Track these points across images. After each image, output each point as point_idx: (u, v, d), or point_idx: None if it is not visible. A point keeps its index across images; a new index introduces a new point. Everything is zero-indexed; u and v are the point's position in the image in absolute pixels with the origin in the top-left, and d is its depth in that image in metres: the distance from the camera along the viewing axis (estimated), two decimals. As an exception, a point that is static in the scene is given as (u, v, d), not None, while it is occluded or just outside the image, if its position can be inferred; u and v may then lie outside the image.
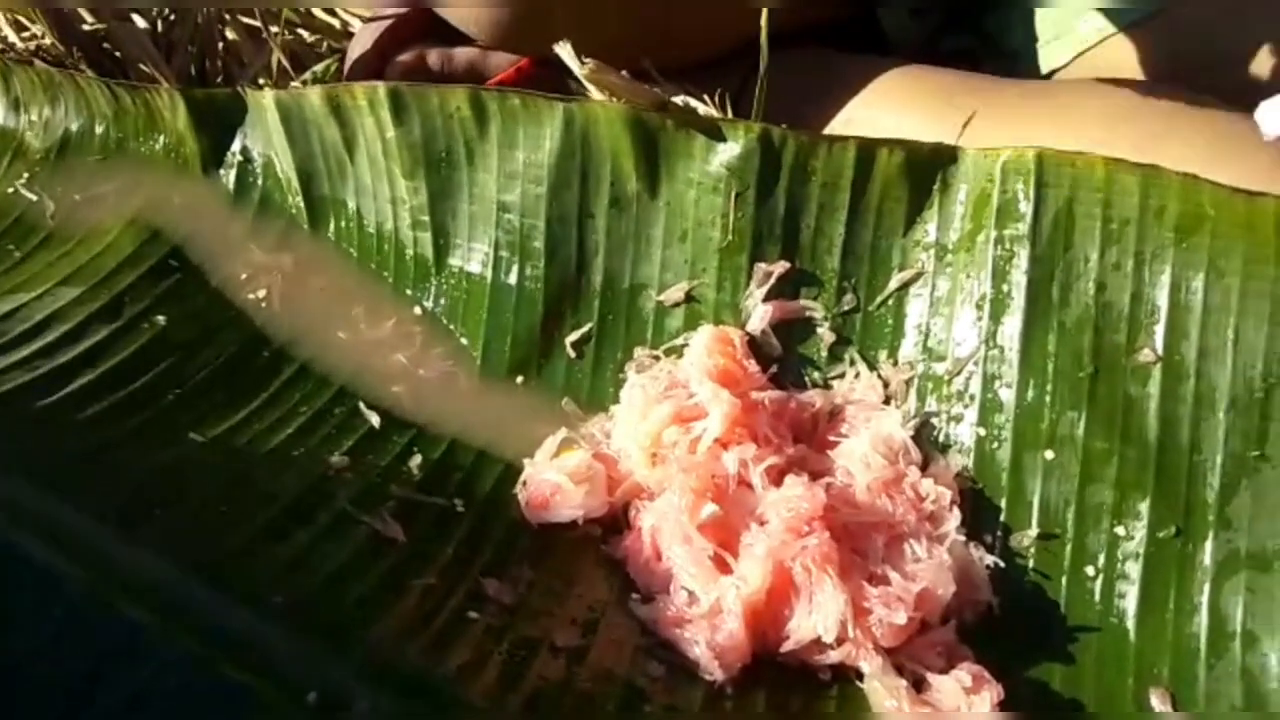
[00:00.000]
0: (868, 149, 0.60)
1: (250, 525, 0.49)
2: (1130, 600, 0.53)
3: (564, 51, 0.64)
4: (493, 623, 0.48)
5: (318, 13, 0.90)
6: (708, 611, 0.50)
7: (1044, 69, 0.78)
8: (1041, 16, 0.77)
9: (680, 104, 0.72)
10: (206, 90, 0.73)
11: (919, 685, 0.50)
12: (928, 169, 0.60)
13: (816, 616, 0.49)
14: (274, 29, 0.79)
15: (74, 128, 0.77)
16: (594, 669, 0.47)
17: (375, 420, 0.61)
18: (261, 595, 0.45)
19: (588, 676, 0.46)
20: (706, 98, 0.68)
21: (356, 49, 0.75)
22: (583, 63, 0.60)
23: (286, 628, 0.43)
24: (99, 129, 0.77)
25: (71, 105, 0.77)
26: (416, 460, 0.59)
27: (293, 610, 0.45)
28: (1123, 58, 0.73)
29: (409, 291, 0.68)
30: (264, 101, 0.71)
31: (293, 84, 0.73)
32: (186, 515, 0.49)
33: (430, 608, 0.48)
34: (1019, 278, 0.57)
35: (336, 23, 0.91)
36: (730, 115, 0.69)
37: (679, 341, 0.63)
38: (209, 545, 0.47)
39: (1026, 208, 0.57)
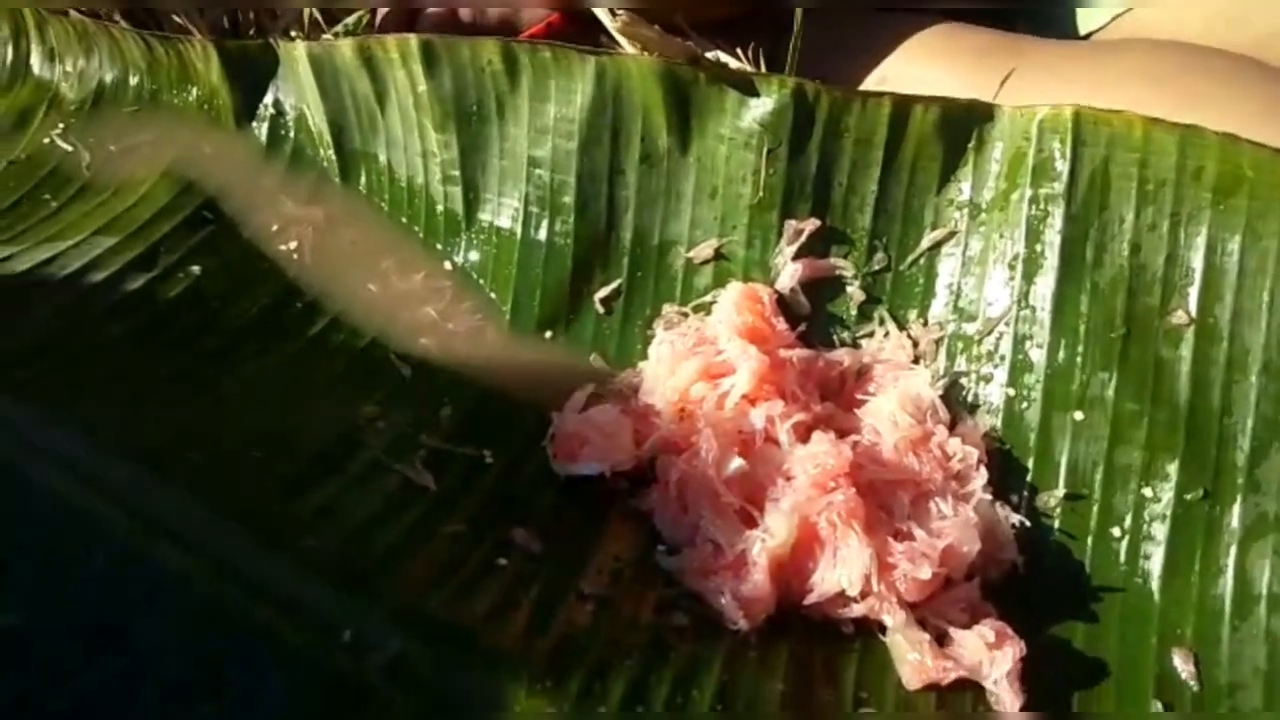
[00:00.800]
0: (903, 105, 0.59)
1: (283, 472, 0.50)
2: (1156, 561, 0.53)
3: (598, 4, 0.64)
4: (521, 570, 0.49)
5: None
6: (733, 563, 0.51)
7: (1082, 30, 0.77)
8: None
9: (713, 59, 0.71)
10: (240, 42, 0.74)
11: (941, 640, 0.50)
12: (963, 126, 0.59)
13: (841, 570, 0.50)
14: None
15: (108, 79, 0.78)
16: (620, 617, 0.48)
17: (406, 371, 0.61)
18: (294, 541, 0.45)
19: (614, 623, 0.47)
20: (740, 52, 0.68)
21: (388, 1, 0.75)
22: (615, 16, 0.59)
23: (318, 572, 0.44)
24: (133, 80, 0.77)
25: (106, 56, 0.77)
26: (446, 411, 0.59)
27: (324, 556, 0.45)
28: (1161, 20, 0.72)
29: (439, 246, 0.69)
30: (296, 54, 0.71)
31: (325, 36, 0.73)
32: (220, 461, 0.50)
33: (459, 555, 0.49)
34: (1053, 237, 0.57)
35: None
36: (764, 70, 0.69)
37: (708, 299, 0.63)
38: (242, 491, 0.48)
39: (1062, 167, 0.56)
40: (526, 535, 0.52)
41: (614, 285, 0.65)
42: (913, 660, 0.49)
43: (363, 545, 0.47)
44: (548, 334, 0.65)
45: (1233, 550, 0.52)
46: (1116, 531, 0.54)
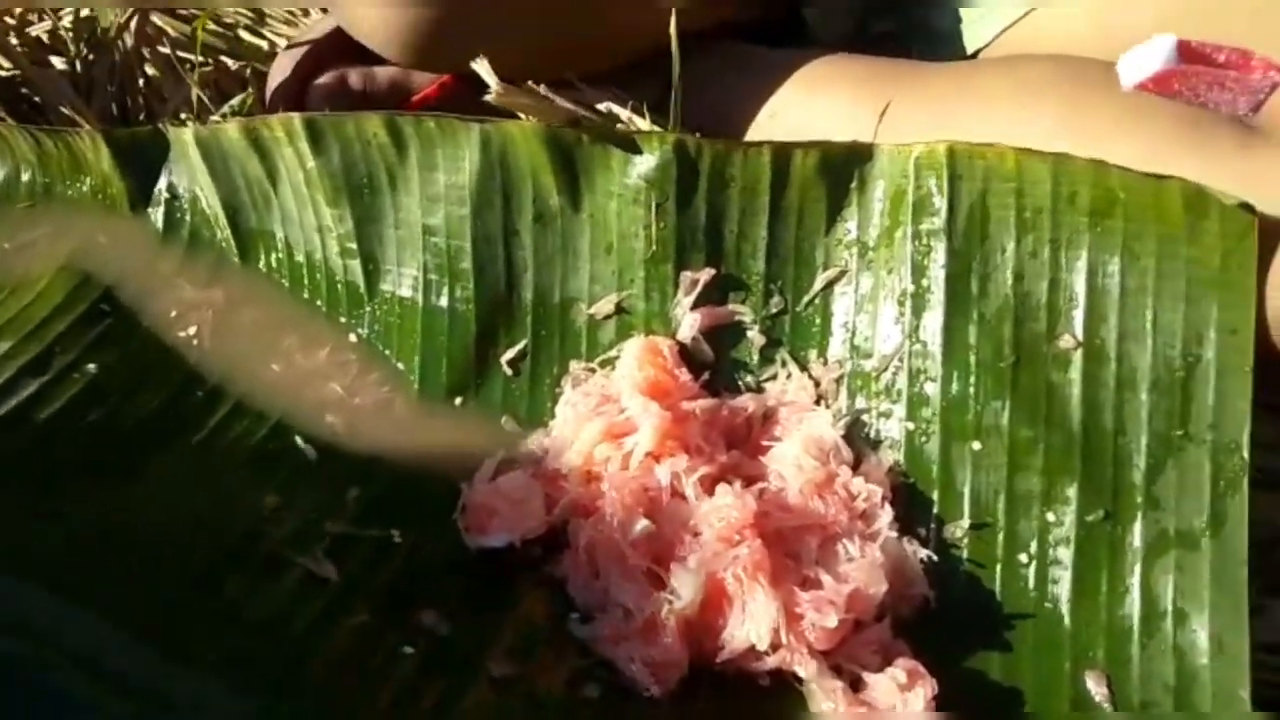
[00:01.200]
0: (783, 152, 0.60)
1: (183, 575, 0.49)
2: (1064, 585, 0.54)
3: (481, 68, 0.64)
4: (427, 657, 0.48)
5: (243, 35, 0.90)
6: (643, 627, 0.51)
7: (969, 48, 0.78)
8: (964, -4, 0.77)
9: (604, 111, 0.72)
10: (128, 129, 0.73)
11: (856, 685, 0.50)
12: (844, 168, 0.60)
13: (750, 625, 0.50)
14: (196, 59, 0.78)
15: (0, 176, 0.77)
16: (529, 696, 0.48)
17: (312, 453, 0.61)
18: (197, 652, 0.45)
19: (521, 705, 0.47)
20: (629, 106, 0.68)
21: (276, 76, 0.75)
22: (488, 88, 0.59)
23: (224, 685, 0.44)
24: (25, 176, 0.76)
25: (-6, 153, 0.76)
26: (354, 493, 0.59)
27: (228, 666, 0.45)
28: (1045, 33, 0.73)
29: (343, 319, 0.68)
30: (185, 137, 0.70)
31: (212, 118, 0.72)
32: (120, 570, 0.49)
33: (363, 646, 0.48)
34: (937, 272, 0.57)
35: (264, 44, 0.90)
36: (650, 121, 0.69)
37: (613, 353, 0.63)
38: (144, 601, 0.47)
39: (941, 202, 0.57)
40: (435, 617, 0.51)
41: (519, 346, 0.65)
42: (828, 709, 0.49)
43: (264, 648, 0.47)
44: (458, 400, 0.65)
45: (1137, 568, 0.53)
46: (1024, 558, 0.55)
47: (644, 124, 0.70)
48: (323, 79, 0.76)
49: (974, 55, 0.77)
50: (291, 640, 0.47)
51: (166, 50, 0.76)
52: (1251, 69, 0.59)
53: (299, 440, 0.61)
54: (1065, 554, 0.54)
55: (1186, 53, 0.59)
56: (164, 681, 0.44)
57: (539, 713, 0.47)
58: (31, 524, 0.51)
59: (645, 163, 0.61)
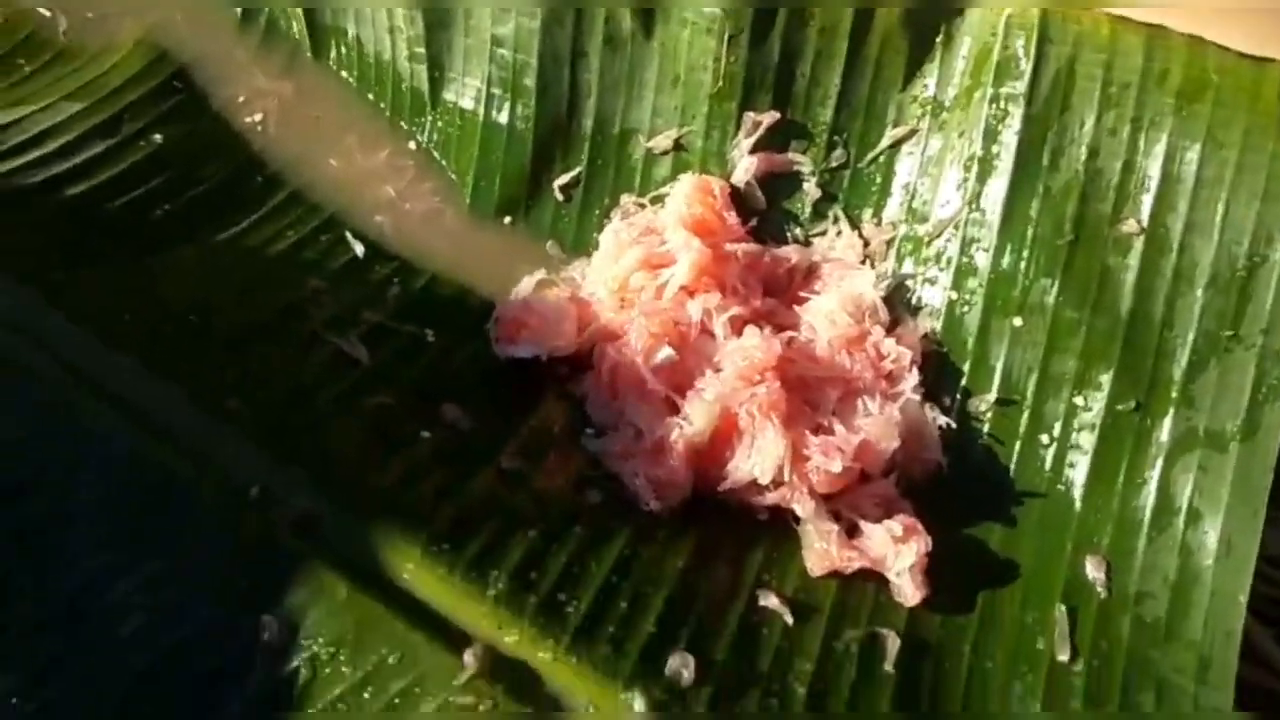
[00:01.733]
0: (869, -6, 0.57)
1: (218, 337, 0.51)
2: (1080, 470, 0.53)
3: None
4: (441, 443, 0.50)
5: None
6: (651, 447, 0.52)
7: None
8: None
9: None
10: (217, -87, 0.72)
11: (852, 532, 0.51)
12: (931, 19, 0.57)
13: (755, 459, 0.51)
14: None
15: (89, -55, 0.77)
16: (533, 492, 0.49)
17: (360, 249, 0.62)
18: (219, 401, 0.47)
19: (523, 498, 0.48)
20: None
21: None
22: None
23: (238, 431, 0.46)
24: (113, -53, 0.76)
25: (87, -79, 0.77)
26: (394, 290, 0.60)
27: (247, 417, 0.47)
28: None
29: (405, 125, 0.68)
30: (270, -77, 0.70)
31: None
32: (158, 323, 0.51)
33: (383, 424, 0.50)
34: (1010, 139, 0.55)
35: None
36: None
37: (665, 190, 0.62)
38: (175, 352, 0.49)
39: (1026, 66, 0.55)
40: (456, 411, 0.53)
41: (574, 173, 0.64)
42: (819, 548, 0.50)
43: (286, 410, 0.49)
44: (507, 219, 0.65)
45: (1159, 463, 0.52)
46: (1045, 439, 0.54)
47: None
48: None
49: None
50: (314, 408, 0.50)
51: None
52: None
53: (349, 235, 0.63)
54: (1088, 439, 0.53)
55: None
56: (185, 423, 0.46)
57: (540, 506, 0.48)
58: (80, 268, 0.53)
59: (723, -10, 0.59)
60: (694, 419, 0.51)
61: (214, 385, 0.48)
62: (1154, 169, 0.53)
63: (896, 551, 0.49)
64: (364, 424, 0.50)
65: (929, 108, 0.58)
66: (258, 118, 0.68)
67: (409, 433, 0.50)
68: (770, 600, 0.48)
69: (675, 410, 0.53)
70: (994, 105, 0.56)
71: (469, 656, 0.42)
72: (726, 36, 0.59)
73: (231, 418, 0.47)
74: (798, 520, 0.52)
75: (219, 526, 0.43)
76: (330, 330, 0.55)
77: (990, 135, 0.56)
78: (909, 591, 0.49)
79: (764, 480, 0.50)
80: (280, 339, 0.53)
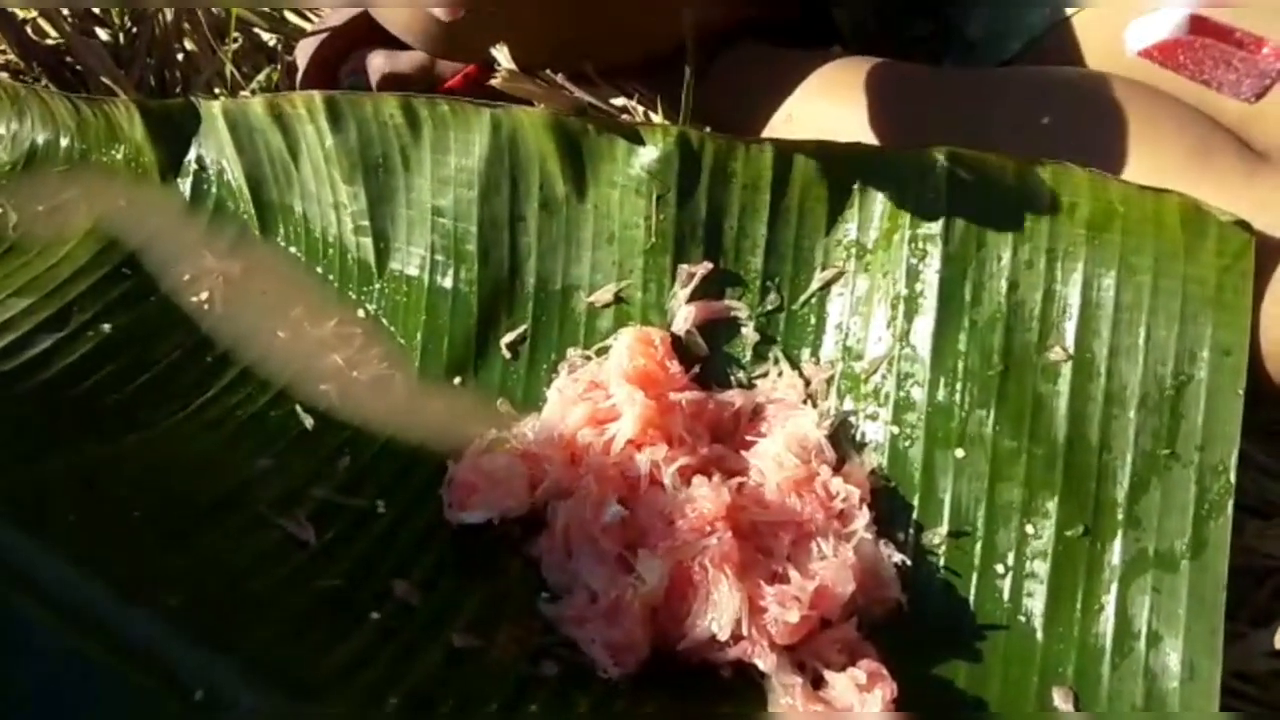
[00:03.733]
0: (785, 151, 0.60)
1: (160, 527, 0.51)
2: (1038, 599, 0.53)
3: (500, 54, 0.65)
4: (390, 623, 0.49)
5: (289, 15, 0.92)
6: (607, 610, 0.51)
7: (998, 59, 0.77)
8: (994, 6, 0.76)
9: (618, 105, 0.73)
10: (162, 101, 0.75)
11: (817, 682, 0.50)
12: (846, 169, 0.60)
13: (713, 615, 0.50)
14: (231, 35, 0.81)
15: (40, 140, 0.80)
16: (485, 669, 0.48)
17: (309, 422, 0.62)
18: (160, 597, 0.46)
19: (475, 676, 0.48)
20: (636, 99, 0.69)
21: (303, 55, 0.77)
22: (496, 71, 0.60)
23: (179, 629, 0.45)
24: (64, 141, 0.79)
25: (37, 118, 0.80)
26: (345, 462, 0.60)
27: (187, 612, 0.46)
28: (1072, 46, 0.73)
29: (354, 295, 0.70)
30: (214, 110, 0.73)
31: (241, 93, 0.75)
32: (98, 518, 0.51)
33: (330, 608, 0.49)
34: (931, 276, 0.57)
35: (308, 25, 0.92)
36: (663, 116, 0.70)
37: (609, 342, 0.64)
38: (114, 547, 0.49)
39: (939, 207, 0.57)
40: (407, 588, 0.53)
41: (519, 330, 0.66)
42: (786, 704, 0.49)
43: (228, 601, 0.48)
44: (457, 380, 0.66)
45: (1113, 587, 0.52)
46: (1000, 569, 0.54)
47: (656, 118, 0.70)
48: (351, 62, 0.78)
49: (1005, 64, 0.77)
50: (256, 596, 0.49)
51: (204, 24, 0.78)
52: (1261, 53, 0.57)
53: (299, 408, 0.63)
54: (1042, 568, 0.54)
55: (1199, 26, 0.58)
56: (122, 622, 0.45)
57: (493, 683, 0.47)
58: (21, 470, 0.53)
59: (648, 154, 0.61)
60: (647, 577, 0.51)
61: (153, 581, 0.48)
62: (1074, 297, 0.55)
63: (862, 700, 0.49)
64: (310, 608, 0.49)
65: (853, 250, 0.60)
66: (206, 297, 0.69)
67: (357, 614, 0.50)
68: (737, 764, 0.47)
69: (629, 568, 0.53)
70: (913, 245, 0.58)
71: None
72: (655, 196, 0.62)
73: (170, 615, 0.46)
74: (762, 675, 0.51)
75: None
76: (276, 511, 0.55)
77: (912, 274, 0.58)
78: (877, 742, 0.48)
79: (723, 636, 0.50)
80: (224, 525, 0.53)
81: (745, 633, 0.50)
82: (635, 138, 0.61)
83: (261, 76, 0.74)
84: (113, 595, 0.45)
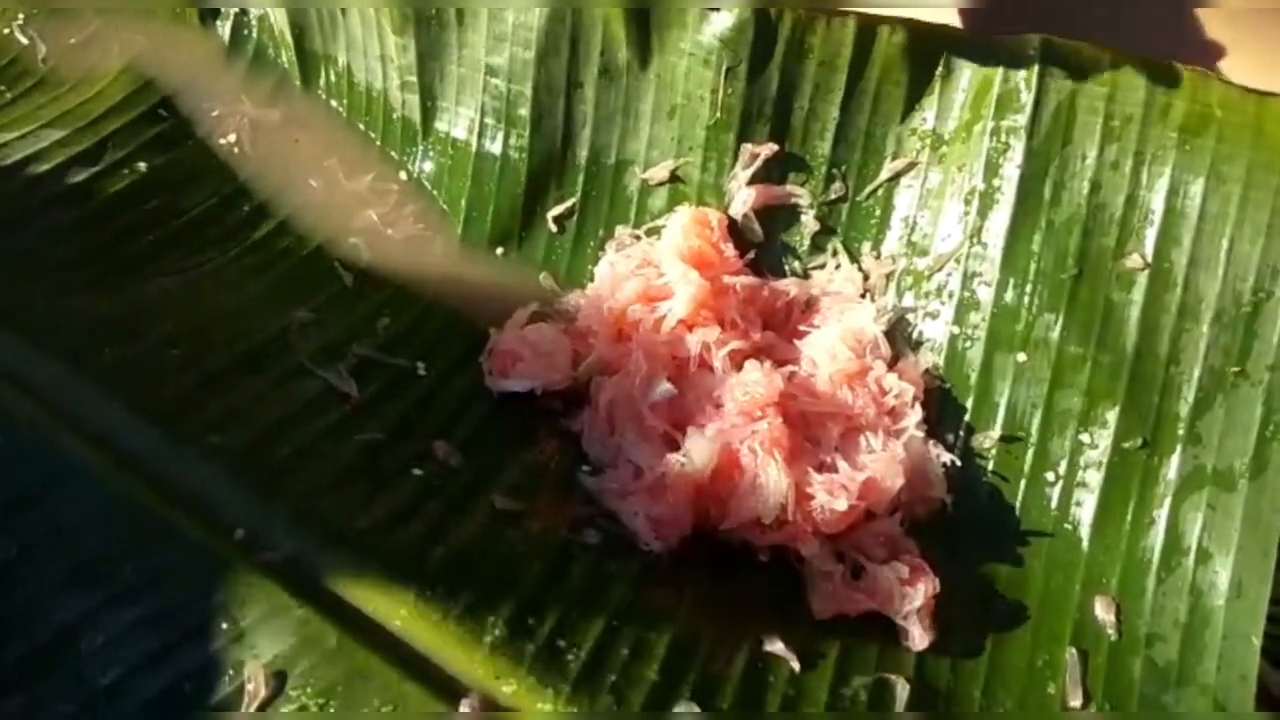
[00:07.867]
0: (868, 26, 0.57)
1: (200, 370, 0.50)
2: (1087, 509, 0.52)
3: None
4: (433, 481, 0.48)
5: None
6: (651, 485, 0.50)
7: None
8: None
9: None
10: (204, -62, 0.72)
11: (857, 573, 0.50)
12: (931, 52, 0.57)
13: (758, 497, 0.49)
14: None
15: (73, -28, 0.76)
16: (527, 532, 0.48)
17: (348, 279, 0.61)
18: (200, 437, 0.45)
19: (518, 539, 0.47)
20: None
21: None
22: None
23: (221, 469, 0.44)
24: (99, -26, 0.75)
25: (71, -54, 0.76)
26: (384, 322, 0.58)
27: (229, 454, 0.45)
28: None
29: (396, 155, 0.67)
30: (259, -50, 0.69)
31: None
32: (138, 356, 0.49)
33: (370, 462, 0.48)
34: (1011, 172, 0.55)
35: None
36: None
37: (661, 222, 0.62)
38: (155, 387, 0.48)
39: (1027, 98, 0.54)
40: (447, 448, 0.51)
41: (568, 204, 0.63)
42: (824, 590, 0.49)
43: (271, 446, 0.47)
44: (500, 250, 0.64)
45: (1167, 502, 0.51)
46: (1050, 476, 0.53)
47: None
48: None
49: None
50: (300, 444, 0.48)
51: None
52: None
53: (338, 264, 0.61)
54: (1095, 478, 0.53)
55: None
56: (165, 460, 0.45)
57: (536, 547, 0.46)
58: (62, 304, 0.52)
59: (722, 21, 0.58)
60: (694, 456, 0.50)
61: (196, 421, 0.46)
62: (1157, 204, 0.52)
63: (903, 594, 0.48)
64: (352, 460, 0.48)
65: (928, 140, 0.58)
66: (246, 146, 0.67)
67: (398, 469, 0.49)
68: (776, 646, 0.46)
69: (675, 446, 0.51)
70: (995, 138, 0.55)
71: (465, 707, 0.40)
72: (724, 68, 0.59)
73: (214, 455, 0.45)
74: (800, 561, 0.50)
75: (203, 571, 0.41)
76: (318, 363, 0.53)
77: (991, 168, 0.55)
78: (917, 636, 0.48)
79: (767, 519, 0.49)
80: (265, 372, 0.51)
81: (790, 518, 0.49)
82: (710, 2, 0.58)
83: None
84: (154, 436, 0.44)
